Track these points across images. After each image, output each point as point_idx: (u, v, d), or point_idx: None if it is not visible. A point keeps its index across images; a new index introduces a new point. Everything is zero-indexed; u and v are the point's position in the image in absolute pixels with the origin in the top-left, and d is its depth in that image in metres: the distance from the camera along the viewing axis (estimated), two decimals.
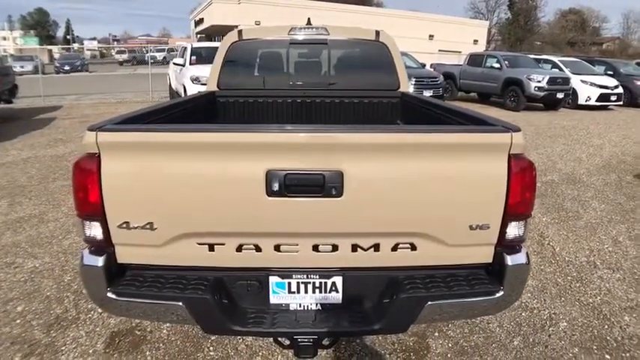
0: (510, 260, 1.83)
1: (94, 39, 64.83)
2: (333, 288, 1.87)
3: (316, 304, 1.89)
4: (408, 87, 3.81)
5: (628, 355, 2.59)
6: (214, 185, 1.65)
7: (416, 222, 1.75)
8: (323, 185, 1.64)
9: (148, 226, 1.69)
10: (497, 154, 1.72)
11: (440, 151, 1.70)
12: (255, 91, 3.71)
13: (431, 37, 33.37)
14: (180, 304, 1.72)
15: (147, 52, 40.91)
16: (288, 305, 1.88)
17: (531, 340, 2.69)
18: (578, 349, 2.63)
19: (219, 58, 3.70)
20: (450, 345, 2.62)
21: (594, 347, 2.65)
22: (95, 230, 1.73)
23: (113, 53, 49.96)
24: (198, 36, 33.72)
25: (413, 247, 1.80)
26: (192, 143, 1.64)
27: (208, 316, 1.75)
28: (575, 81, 14.17)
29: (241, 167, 1.63)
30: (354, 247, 1.78)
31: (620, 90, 14.34)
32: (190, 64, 9.76)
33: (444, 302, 1.79)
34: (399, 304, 1.78)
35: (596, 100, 14.18)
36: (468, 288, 1.83)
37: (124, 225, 1.70)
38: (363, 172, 1.66)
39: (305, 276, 1.85)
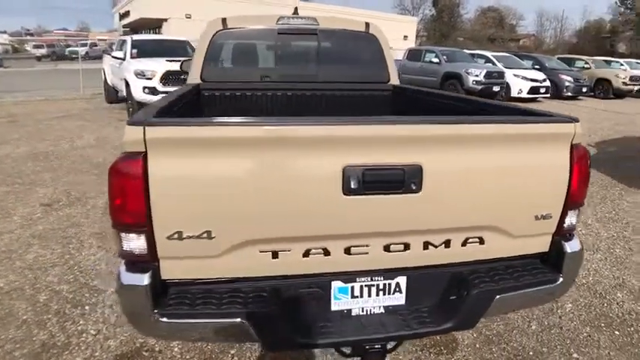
0: (569, 248, 1.83)
1: (4, 32, 58.67)
2: (397, 289, 1.77)
3: (379, 307, 1.77)
4: (397, 79, 3.77)
5: (632, 329, 2.74)
6: (285, 184, 1.47)
7: (489, 215, 1.69)
8: (403, 181, 1.52)
9: (204, 235, 1.47)
10: (562, 144, 1.71)
11: (511, 142, 1.65)
12: (243, 84, 3.47)
13: None
14: (243, 320, 1.52)
15: (67, 47, 37.89)
16: (350, 311, 1.75)
17: (546, 323, 2.77)
18: (590, 327, 2.74)
19: (201, 48, 3.41)
20: (475, 336, 2.62)
21: (602, 325, 2.78)
22: (137, 243, 1.48)
23: (28, 48, 45.51)
24: (124, 30, 31.74)
25: (481, 241, 1.74)
26: (261, 138, 1.43)
27: (272, 330, 1.57)
28: (509, 75, 15.07)
29: (316, 164, 1.47)
30: (426, 245, 1.68)
31: (547, 83, 15.46)
32: (132, 57, 9.10)
33: (512, 294, 1.75)
34: (470, 300, 1.71)
35: (528, 93, 15.18)
36: (531, 278, 1.81)
37: (176, 235, 1.46)
38: (441, 165, 1.56)
39: (369, 278, 1.72)
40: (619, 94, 17.62)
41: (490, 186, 1.65)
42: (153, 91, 8.24)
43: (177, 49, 10.13)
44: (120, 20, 32.28)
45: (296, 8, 3.68)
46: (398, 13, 57.82)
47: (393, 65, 3.73)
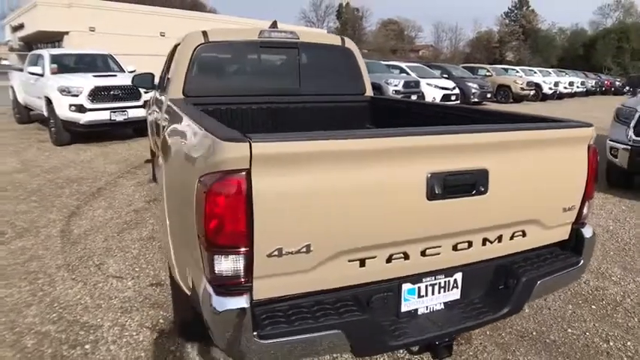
0: (587, 234, 2.10)
1: None
2: (455, 285, 1.89)
3: (440, 304, 1.88)
4: (372, 91, 3.95)
5: (604, 302, 3.14)
6: (377, 194, 1.53)
7: (534, 209, 1.89)
8: (474, 184, 1.66)
9: (303, 250, 1.48)
10: (582, 144, 1.98)
11: (549, 145, 1.87)
12: (228, 98, 3.42)
13: None
14: (340, 330, 1.55)
15: None
16: (416, 310, 1.84)
17: (536, 306, 3.05)
18: (571, 305, 3.08)
19: (181, 62, 3.29)
20: None
21: (580, 302, 3.14)
22: (233, 265, 1.43)
23: None
24: (19, 44, 28.75)
25: (524, 234, 1.93)
26: (356, 151, 1.48)
27: (365, 337, 1.61)
28: (423, 84, 16.16)
29: (405, 173, 1.55)
30: (484, 241, 1.83)
31: (457, 91, 16.81)
32: (52, 72, 8.36)
33: (549, 279, 1.97)
34: (520, 287, 1.89)
35: (440, 100, 16.37)
36: (560, 263, 2.04)
37: (276, 252, 1.44)
38: (501, 168, 1.73)
39: (433, 278, 1.83)
40: (517, 99, 19.74)
41: (535, 184, 1.85)
42: (80, 108, 7.63)
43: (99, 63, 9.51)
44: (13, 33, 29.21)
45: (275, 22, 3.70)
46: (303, 25, 59.03)
47: (368, 77, 3.91)
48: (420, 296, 1.83)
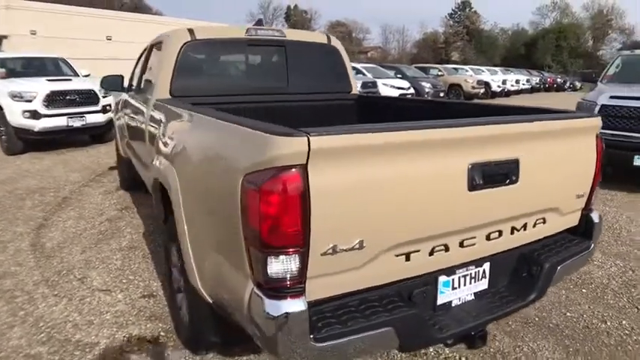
0: (595, 219, 2.19)
1: None
2: (483, 275, 1.91)
3: (470, 294, 1.89)
4: (357, 89, 3.94)
5: (593, 285, 3.29)
6: (423, 186, 1.51)
7: (555, 197, 1.94)
8: (508, 174, 1.68)
9: (357, 246, 1.43)
10: (592, 133, 2.06)
11: (568, 134, 1.94)
12: (217, 97, 3.29)
13: None
14: (390, 328, 1.51)
15: None
16: (450, 302, 1.83)
17: None
18: (565, 290, 3.21)
19: (168, 61, 3.13)
20: None
21: (571, 287, 3.28)
22: (288, 265, 1.36)
23: None
24: None
25: (544, 221, 1.98)
26: (408, 143, 1.46)
27: (413, 332, 1.58)
28: (379, 84, 16.42)
29: (448, 164, 1.55)
30: (512, 230, 1.86)
31: (412, 90, 17.21)
32: (0, 77, 7.78)
33: (567, 263, 2.03)
34: (544, 273, 1.94)
35: None
36: (575, 248, 2.11)
37: (330, 250, 1.39)
38: (530, 157, 1.76)
39: (465, 269, 1.84)
40: (468, 97, 20.44)
41: (557, 172, 1.90)
42: (34, 114, 7.15)
43: (50, 66, 8.95)
44: None
45: (260, 20, 3.61)
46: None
47: (353, 76, 3.90)
48: (453, 288, 1.83)
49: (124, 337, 2.60)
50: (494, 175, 1.65)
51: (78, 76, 8.84)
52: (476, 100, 20.44)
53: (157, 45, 3.63)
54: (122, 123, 4.74)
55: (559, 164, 1.91)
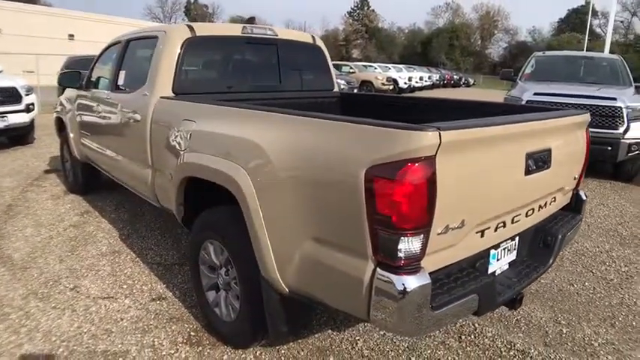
0: (583, 196, 2.65)
1: None
2: (514, 247, 2.24)
3: (506, 264, 2.20)
4: (339, 88, 4.14)
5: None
6: (499, 172, 1.80)
7: (565, 179, 2.35)
8: (546, 160, 2.03)
9: (460, 225, 1.66)
10: (584, 127, 2.51)
11: (574, 127, 2.36)
12: (217, 95, 3.27)
13: None
14: (475, 295, 1.76)
15: None
16: (494, 272, 2.13)
17: None
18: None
19: (170, 58, 3.04)
20: None
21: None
22: (415, 244, 1.54)
23: None
24: None
25: (555, 199, 2.37)
26: (499, 135, 1.75)
27: (488, 298, 1.85)
28: None
29: (515, 153, 1.85)
30: (540, 207, 2.21)
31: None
32: None
33: (570, 233, 2.46)
34: (559, 243, 2.33)
35: None
36: (572, 221, 2.54)
37: (444, 230, 1.60)
38: (557, 146, 2.13)
39: (505, 242, 2.15)
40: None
41: (568, 158, 2.30)
42: None
43: None
44: None
45: (253, 18, 3.64)
46: (149, 20, 55.74)
47: (334, 74, 4.09)
48: (497, 259, 2.13)
49: (153, 341, 2.54)
50: (539, 161, 1.98)
51: None
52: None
53: (142, 41, 3.49)
54: (81, 122, 4.42)
55: (569, 152, 2.32)
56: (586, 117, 2.48)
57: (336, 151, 1.67)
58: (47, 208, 4.74)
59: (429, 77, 29.94)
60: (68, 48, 21.84)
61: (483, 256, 2.01)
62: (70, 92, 4.80)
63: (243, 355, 2.41)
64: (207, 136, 2.38)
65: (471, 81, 41.27)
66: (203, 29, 3.18)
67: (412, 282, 1.53)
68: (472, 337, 2.63)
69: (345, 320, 2.71)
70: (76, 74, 4.26)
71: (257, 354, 2.42)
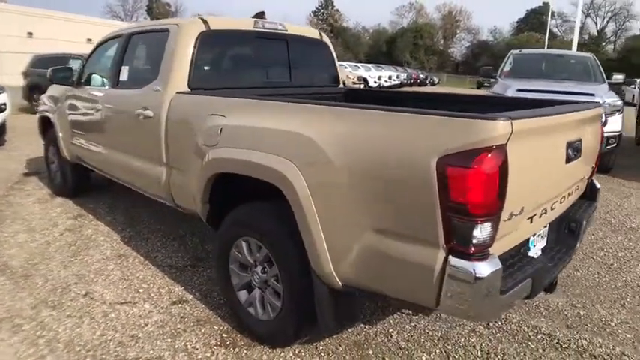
0: (598, 185, 2.78)
1: None
2: (546, 234, 2.32)
3: (539, 250, 2.28)
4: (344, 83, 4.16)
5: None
6: (549, 160, 1.87)
7: (588, 168, 2.47)
8: (578, 150, 2.13)
9: (520, 212, 1.71)
10: (599, 119, 2.62)
11: (595, 119, 2.47)
12: (230, 90, 3.20)
13: (89, 40, 30.27)
14: (530, 279, 1.82)
15: None
16: (532, 257, 2.19)
17: None
18: None
19: (185, 51, 2.94)
20: None
21: None
22: (488, 231, 1.57)
23: None
24: None
25: (577, 188, 2.48)
26: (555, 124, 1.83)
27: (538, 281, 1.91)
28: None
29: (560, 142, 1.93)
30: (569, 194, 2.30)
31: None
32: None
33: (591, 217, 2.58)
34: (584, 228, 2.43)
35: None
36: (590, 208, 2.66)
37: (508, 217, 1.65)
38: (585, 137, 2.23)
39: (540, 230, 2.22)
40: None
41: (590, 148, 2.41)
42: None
43: None
44: None
45: (262, 12, 3.57)
46: (109, 19, 54.00)
47: (339, 70, 4.11)
48: (534, 246, 2.20)
49: (185, 344, 2.48)
50: (574, 150, 2.07)
51: None
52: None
53: (148, 35, 3.38)
54: (73, 121, 4.23)
55: (592, 142, 2.42)
56: (602, 110, 2.60)
57: (401, 143, 1.67)
58: (36, 212, 4.51)
59: (397, 76, 30.46)
60: (27, 46, 20.87)
61: (524, 243, 2.08)
62: (56, 89, 4.58)
63: (282, 354, 2.39)
64: (244, 130, 2.33)
65: (436, 80, 42.24)
66: (216, 23, 3.11)
67: (485, 268, 1.56)
68: (499, 323, 2.70)
69: (374, 314, 2.74)
70: (68, 70, 4.08)
71: (296, 351, 2.40)
